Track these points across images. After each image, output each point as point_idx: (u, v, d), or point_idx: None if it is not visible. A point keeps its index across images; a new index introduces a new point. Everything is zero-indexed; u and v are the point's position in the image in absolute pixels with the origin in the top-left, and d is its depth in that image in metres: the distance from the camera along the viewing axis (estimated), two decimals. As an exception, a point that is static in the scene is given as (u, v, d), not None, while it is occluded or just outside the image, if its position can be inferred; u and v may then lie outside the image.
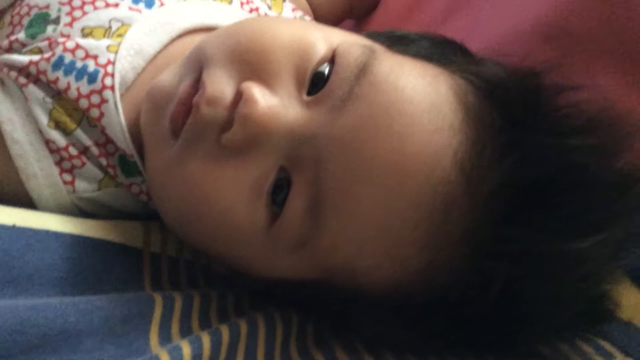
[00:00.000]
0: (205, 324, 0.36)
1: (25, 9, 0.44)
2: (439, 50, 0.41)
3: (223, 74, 0.36)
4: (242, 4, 0.49)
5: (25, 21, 0.44)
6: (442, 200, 0.33)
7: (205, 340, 0.33)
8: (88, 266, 0.37)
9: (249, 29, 0.39)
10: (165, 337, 0.34)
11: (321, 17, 0.60)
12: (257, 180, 0.35)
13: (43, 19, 0.43)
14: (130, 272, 0.39)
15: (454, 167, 0.34)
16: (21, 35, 0.43)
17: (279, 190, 0.35)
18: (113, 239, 0.40)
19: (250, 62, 0.37)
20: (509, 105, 0.36)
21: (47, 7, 0.44)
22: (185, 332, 0.35)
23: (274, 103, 0.35)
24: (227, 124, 0.35)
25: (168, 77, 0.39)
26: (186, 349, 0.32)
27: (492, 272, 0.33)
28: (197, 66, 0.38)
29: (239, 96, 0.35)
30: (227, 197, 0.35)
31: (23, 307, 0.32)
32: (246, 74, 0.36)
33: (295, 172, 0.35)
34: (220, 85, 0.36)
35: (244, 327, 0.36)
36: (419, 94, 0.35)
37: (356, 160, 0.34)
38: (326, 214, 0.34)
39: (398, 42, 0.42)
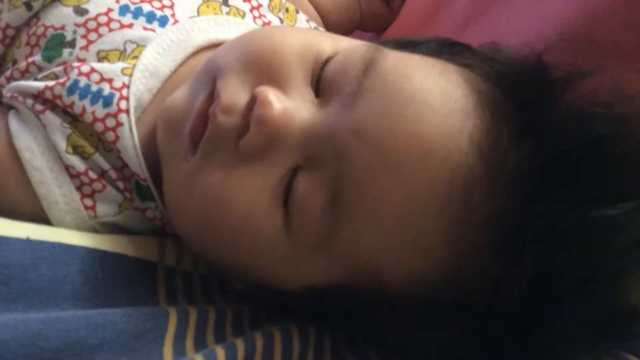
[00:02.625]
0: (220, 338, 0.36)
1: (41, 29, 0.44)
2: (447, 49, 0.42)
3: (236, 83, 0.37)
4: (254, 18, 0.49)
5: (42, 42, 0.44)
6: (461, 184, 0.33)
7: (220, 354, 0.32)
8: (102, 279, 0.37)
9: (259, 37, 0.40)
10: (179, 352, 0.34)
11: (330, 25, 0.60)
12: (275, 181, 0.35)
13: (59, 42, 0.43)
14: (145, 286, 0.38)
15: (470, 150, 0.33)
16: (38, 58, 0.43)
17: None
18: (128, 252, 0.39)
19: (262, 68, 0.37)
20: (521, 91, 0.36)
21: (63, 28, 0.44)
22: (200, 346, 0.35)
23: (289, 104, 0.36)
24: (244, 129, 0.36)
25: (182, 94, 0.40)
26: (201, 363, 0.31)
27: (522, 255, 0.33)
28: (211, 79, 0.38)
29: (253, 101, 0.36)
30: (246, 201, 0.35)
31: (35, 321, 0.31)
32: (259, 80, 0.37)
33: (312, 170, 0.35)
34: (235, 93, 0.37)
35: (259, 341, 0.35)
36: (429, 81, 0.35)
37: (374, 150, 0.34)
38: (347, 208, 0.34)
39: (405, 45, 0.43)
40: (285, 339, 0.36)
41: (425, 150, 0.33)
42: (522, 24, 0.49)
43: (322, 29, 0.56)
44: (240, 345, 0.34)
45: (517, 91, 0.36)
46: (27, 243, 0.36)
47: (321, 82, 0.37)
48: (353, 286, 0.36)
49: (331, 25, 0.61)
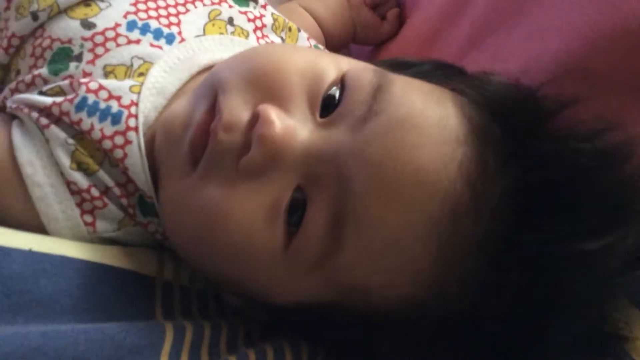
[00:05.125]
0: (214, 355, 0.36)
1: (47, 42, 0.44)
2: (440, 72, 0.43)
3: (239, 99, 0.37)
4: (258, 38, 0.49)
5: (48, 55, 0.44)
6: (449, 210, 0.34)
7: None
8: (101, 293, 0.37)
9: (262, 54, 0.41)
10: (174, 368, 0.34)
11: (328, 36, 0.62)
12: (274, 200, 0.36)
13: (66, 55, 0.44)
14: (142, 300, 0.39)
15: (459, 178, 0.34)
16: (44, 71, 0.43)
17: (294, 211, 0.36)
18: (127, 266, 0.40)
19: (265, 86, 0.38)
20: (509, 117, 0.37)
21: (70, 41, 0.44)
22: (195, 363, 0.35)
23: (290, 123, 0.36)
24: (245, 147, 0.36)
25: (181, 105, 0.40)
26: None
27: (504, 280, 0.34)
28: (212, 92, 0.38)
29: (255, 119, 0.36)
30: (244, 219, 0.36)
31: (35, 334, 0.32)
32: (261, 97, 0.37)
33: (312, 189, 0.36)
34: (237, 110, 0.37)
35: (252, 358, 0.35)
36: (429, 108, 0.36)
37: (376, 175, 0.34)
38: (348, 230, 0.34)
39: (400, 66, 0.43)
40: (278, 356, 0.37)
41: (420, 178, 0.34)
42: (523, 52, 0.49)
43: (322, 46, 0.57)
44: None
45: (505, 119, 0.37)
46: (29, 255, 0.36)
47: (326, 104, 0.37)
48: (343, 304, 0.37)
49: (330, 36, 0.62)
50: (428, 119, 0.36)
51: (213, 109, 0.38)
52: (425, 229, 0.34)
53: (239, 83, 0.38)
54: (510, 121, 0.37)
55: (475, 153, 0.35)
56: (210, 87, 0.39)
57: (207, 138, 0.37)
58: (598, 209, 0.35)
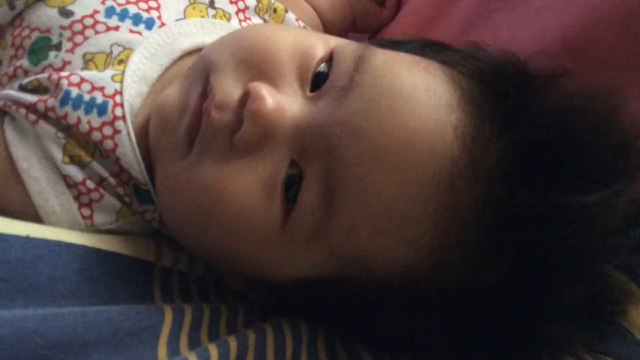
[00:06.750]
0: (214, 337, 0.36)
1: (26, 31, 0.44)
2: (429, 48, 0.43)
3: (230, 78, 0.38)
4: (240, 21, 0.49)
5: (27, 44, 0.43)
6: (447, 174, 0.34)
7: (213, 353, 0.33)
8: (99, 278, 0.37)
9: (252, 33, 0.41)
10: (173, 350, 0.34)
11: (327, 24, 0.61)
12: (270, 176, 0.36)
13: (45, 45, 0.43)
14: (141, 284, 0.39)
15: (455, 142, 0.35)
16: (25, 62, 0.43)
17: (290, 187, 0.36)
18: (125, 252, 0.40)
19: (255, 64, 0.38)
20: (501, 86, 0.37)
21: (48, 30, 0.43)
22: (194, 345, 0.35)
23: (281, 99, 0.37)
24: (237, 125, 0.36)
25: (175, 91, 0.40)
26: (194, 361, 0.32)
27: (503, 242, 0.34)
28: (203, 75, 0.39)
29: (245, 96, 0.37)
30: (242, 195, 0.36)
31: (32, 317, 0.32)
32: (251, 75, 0.38)
33: (306, 163, 0.36)
34: (228, 89, 0.37)
35: (252, 338, 0.35)
36: (415, 77, 0.37)
37: (364, 142, 0.35)
38: (339, 198, 0.35)
39: (389, 45, 0.44)
40: (278, 336, 0.37)
41: (412, 142, 0.34)
42: (523, 33, 0.49)
43: (309, 28, 0.56)
44: (232, 342, 0.34)
45: (498, 86, 0.37)
46: (27, 241, 0.36)
47: (315, 80, 0.38)
48: (343, 276, 0.37)
49: (329, 24, 0.61)
50: (414, 86, 0.36)
51: (206, 92, 0.38)
52: (421, 193, 0.34)
53: (228, 63, 0.38)
54: (503, 88, 0.37)
55: (469, 118, 0.35)
56: (201, 70, 0.39)
57: (201, 120, 0.37)
58: (595, 164, 0.35)
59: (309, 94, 0.38)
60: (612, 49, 0.45)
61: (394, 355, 0.39)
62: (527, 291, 0.35)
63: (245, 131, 0.36)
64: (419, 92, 0.36)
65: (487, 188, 0.34)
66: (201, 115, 0.37)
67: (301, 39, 0.40)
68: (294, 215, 0.36)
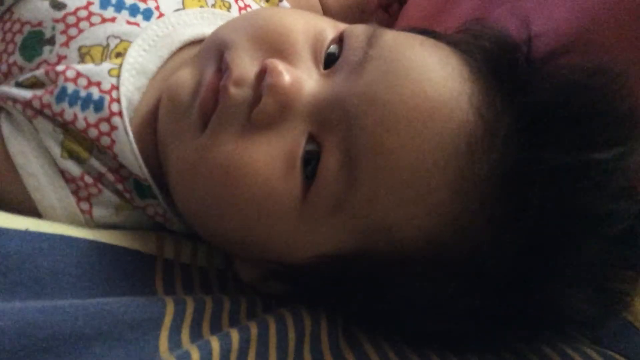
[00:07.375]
0: (216, 329, 0.36)
1: (17, 26, 0.43)
2: (430, 35, 0.43)
3: (246, 56, 0.38)
4: (240, 8, 0.49)
5: (18, 39, 0.42)
6: (464, 140, 0.35)
7: (215, 345, 0.32)
8: (100, 271, 0.37)
9: (266, 14, 0.42)
10: (175, 343, 0.34)
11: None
12: (289, 150, 0.37)
13: (38, 39, 0.42)
14: (142, 277, 0.38)
15: (470, 109, 0.36)
16: (18, 58, 0.42)
17: (308, 163, 0.37)
18: (126, 245, 0.39)
19: (271, 42, 0.39)
20: (508, 59, 0.38)
21: (40, 24, 0.42)
22: (196, 337, 0.35)
23: (297, 73, 0.38)
24: (255, 100, 0.37)
25: (186, 71, 0.40)
26: (195, 354, 0.31)
27: (524, 201, 0.34)
28: (217, 54, 0.39)
29: (263, 72, 0.37)
30: (262, 170, 0.36)
31: (32, 309, 0.31)
32: (267, 53, 0.39)
33: (324, 136, 0.36)
34: (245, 66, 0.38)
35: (254, 330, 0.35)
36: (426, 50, 0.38)
37: (383, 110, 0.35)
38: (360, 167, 0.35)
39: None
40: (281, 328, 0.36)
41: (430, 108, 0.35)
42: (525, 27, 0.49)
43: None
44: (234, 335, 0.33)
45: (505, 59, 0.38)
46: (26, 234, 0.36)
47: (327, 58, 0.39)
48: (365, 250, 0.37)
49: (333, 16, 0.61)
50: (428, 57, 0.37)
51: (221, 71, 0.38)
52: (442, 159, 0.35)
53: (243, 41, 0.39)
54: (511, 60, 0.38)
55: (482, 87, 0.36)
56: (214, 50, 0.40)
57: (216, 98, 0.37)
58: (607, 123, 0.36)
59: (323, 71, 0.39)
60: (613, 43, 0.45)
61: (396, 348, 0.38)
62: (546, 252, 0.35)
63: (264, 105, 0.36)
64: (433, 63, 0.37)
65: (504, 150, 0.35)
66: (215, 92, 0.37)
67: (312, 21, 0.41)
68: (313, 190, 0.36)
